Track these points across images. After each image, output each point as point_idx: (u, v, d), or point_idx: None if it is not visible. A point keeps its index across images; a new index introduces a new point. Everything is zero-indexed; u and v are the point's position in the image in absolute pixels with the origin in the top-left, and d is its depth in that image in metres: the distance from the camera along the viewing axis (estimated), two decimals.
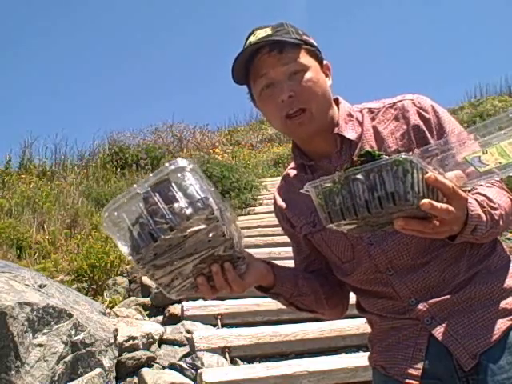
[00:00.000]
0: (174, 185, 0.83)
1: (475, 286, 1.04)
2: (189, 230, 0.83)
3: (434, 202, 0.81)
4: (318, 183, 0.85)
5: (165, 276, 0.89)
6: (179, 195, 0.83)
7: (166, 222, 0.82)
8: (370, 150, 0.83)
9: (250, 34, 1.12)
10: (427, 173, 0.82)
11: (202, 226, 0.84)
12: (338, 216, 0.84)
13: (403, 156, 0.79)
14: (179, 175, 0.84)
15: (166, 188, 0.83)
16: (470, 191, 0.98)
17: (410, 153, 0.89)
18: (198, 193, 0.83)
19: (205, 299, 3.75)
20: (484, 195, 0.97)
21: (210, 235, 0.86)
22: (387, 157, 0.80)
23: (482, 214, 0.92)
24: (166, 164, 0.84)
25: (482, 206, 0.93)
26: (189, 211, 0.82)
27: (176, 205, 0.82)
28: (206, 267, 0.92)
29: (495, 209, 0.96)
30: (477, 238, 0.94)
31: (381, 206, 0.79)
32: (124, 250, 0.85)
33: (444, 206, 0.82)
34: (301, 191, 0.90)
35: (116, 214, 0.84)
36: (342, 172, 0.82)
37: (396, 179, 0.78)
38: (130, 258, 0.85)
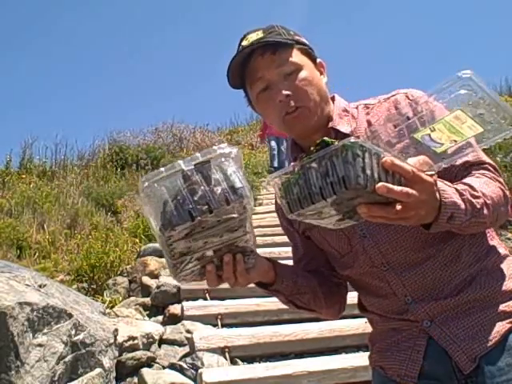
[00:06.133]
0: (217, 168, 0.84)
1: (475, 289, 1.03)
2: (224, 216, 0.84)
3: (391, 185, 0.80)
4: (277, 175, 0.86)
5: (183, 256, 0.89)
6: (221, 179, 0.84)
7: (206, 203, 0.82)
8: (325, 138, 0.83)
9: (242, 39, 1.12)
10: (384, 157, 0.82)
11: (235, 215, 0.85)
12: (296, 205, 0.84)
13: (352, 140, 0.79)
14: (223, 160, 0.85)
15: (208, 169, 0.84)
16: (452, 181, 0.96)
17: (362, 137, 0.89)
18: (239, 181, 0.84)
19: (205, 299, 3.78)
20: (467, 184, 0.96)
21: (238, 225, 0.87)
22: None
23: (460, 202, 0.90)
24: (214, 147, 0.86)
25: (461, 194, 0.92)
26: (229, 197, 0.83)
27: (217, 188, 0.83)
28: (218, 256, 0.92)
29: (477, 197, 0.93)
30: (457, 227, 0.93)
31: (334, 192, 0.78)
32: (155, 223, 0.84)
33: (403, 188, 0.81)
34: (263, 184, 0.91)
35: (156, 185, 0.84)
36: (299, 162, 0.83)
37: (346, 163, 0.77)
38: (160, 232, 0.84)
